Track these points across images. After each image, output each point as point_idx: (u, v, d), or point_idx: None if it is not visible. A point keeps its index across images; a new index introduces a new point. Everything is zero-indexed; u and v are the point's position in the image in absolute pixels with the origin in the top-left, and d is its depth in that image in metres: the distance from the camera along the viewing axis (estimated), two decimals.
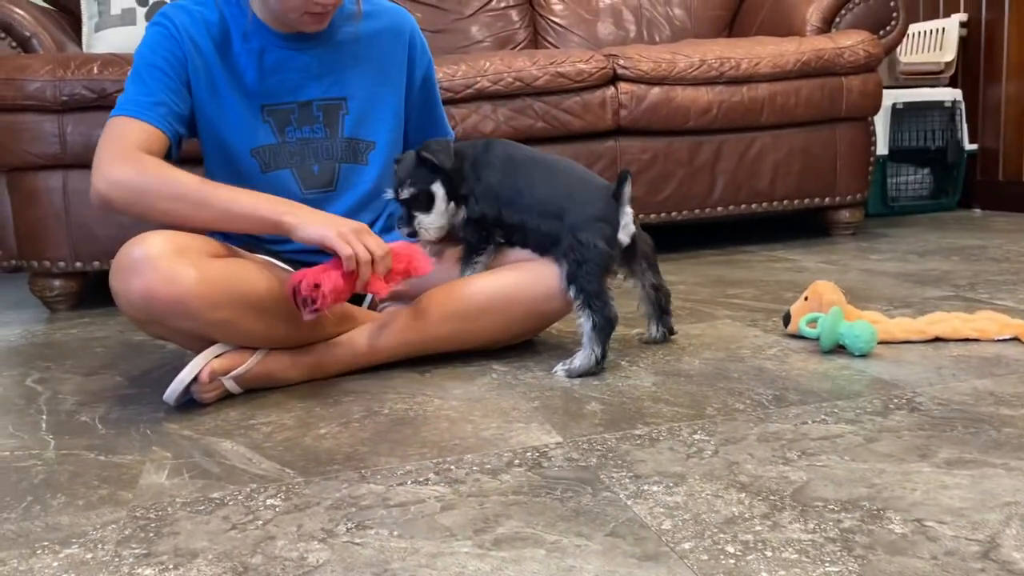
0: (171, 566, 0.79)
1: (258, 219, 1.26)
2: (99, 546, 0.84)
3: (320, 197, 1.48)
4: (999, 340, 1.39)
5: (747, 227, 2.98)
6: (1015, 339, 1.38)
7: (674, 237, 2.81)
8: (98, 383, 1.46)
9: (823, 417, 1.09)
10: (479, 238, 1.44)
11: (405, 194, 1.42)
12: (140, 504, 0.94)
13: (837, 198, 2.67)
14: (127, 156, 1.27)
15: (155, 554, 0.82)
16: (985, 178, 3.29)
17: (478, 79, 2.31)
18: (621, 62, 2.41)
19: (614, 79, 2.41)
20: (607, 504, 0.87)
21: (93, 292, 2.26)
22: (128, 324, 1.93)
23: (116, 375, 1.51)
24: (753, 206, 2.59)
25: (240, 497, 0.94)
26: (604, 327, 1.32)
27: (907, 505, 0.83)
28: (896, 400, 1.13)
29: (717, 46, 2.54)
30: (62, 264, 2.13)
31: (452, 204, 1.44)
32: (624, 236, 1.38)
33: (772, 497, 0.86)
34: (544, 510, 0.87)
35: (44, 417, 1.28)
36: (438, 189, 1.42)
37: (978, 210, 3.26)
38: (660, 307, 1.49)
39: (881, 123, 3.07)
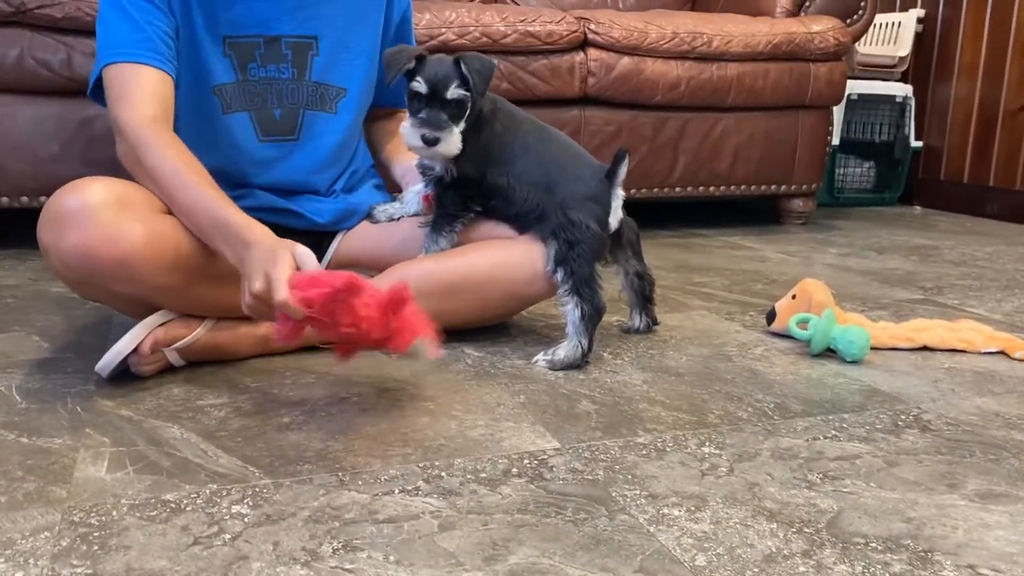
0: None
1: (209, 241, 1.08)
2: (31, 561, 0.70)
3: (280, 147, 1.33)
4: (985, 352, 1.35)
5: (699, 209, 2.92)
6: (1001, 352, 1.35)
7: (630, 215, 2.72)
8: (11, 343, 1.28)
9: (833, 432, 1.02)
10: (457, 204, 1.31)
11: (455, 94, 1.20)
12: (78, 505, 0.79)
13: (793, 186, 2.63)
14: (130, 126, 1.12)
15: (103, 575, 0.68)
16: (927, 176, 3.32)
17: (442, 30, 2.15)
18: (592, 27, 2.29)
19: (584, 44, 2.29)
20: (627, 530, 0.78)
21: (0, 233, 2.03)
22: (43, 272, 1.73)
23: (32, 334, 1.33)
24: (711, 188, 2.53)
25: (199, 501, 0.81)
26: (593, 317, 1.22)
27: (953, 547, 0.76)
28: (903, 417, 1.08)
29: (689, 19, 2.44)
30: None
31: None
32: (613, 220, 1.29)
33: (807, 530, 0.79)
34: (558, 535, 0.77)
35: None
36: (470, 104, 1.23)
37: (918, 208, 3.29)
38: (644, 296, 1.41)
39: (837, 113, 3.04)
